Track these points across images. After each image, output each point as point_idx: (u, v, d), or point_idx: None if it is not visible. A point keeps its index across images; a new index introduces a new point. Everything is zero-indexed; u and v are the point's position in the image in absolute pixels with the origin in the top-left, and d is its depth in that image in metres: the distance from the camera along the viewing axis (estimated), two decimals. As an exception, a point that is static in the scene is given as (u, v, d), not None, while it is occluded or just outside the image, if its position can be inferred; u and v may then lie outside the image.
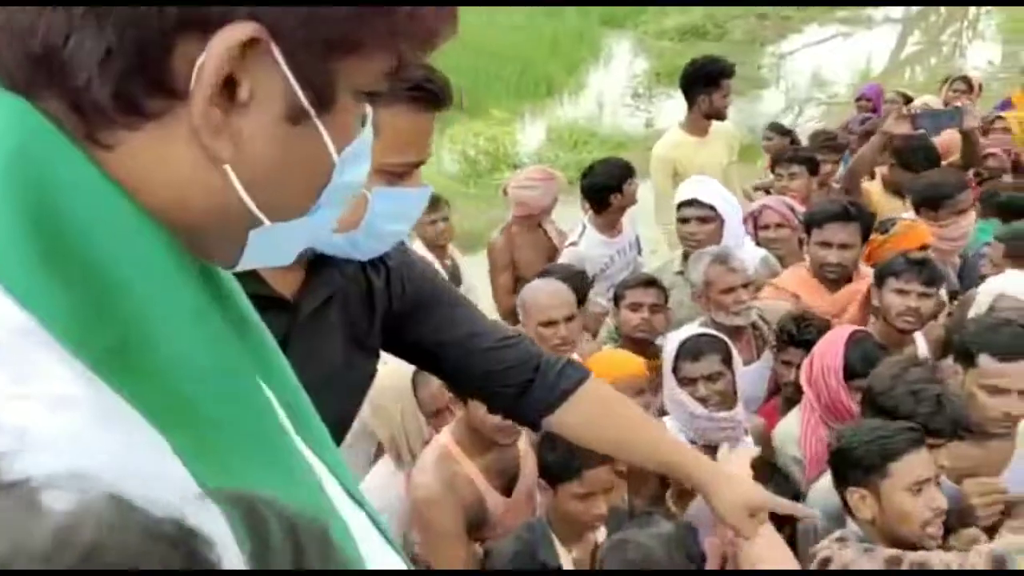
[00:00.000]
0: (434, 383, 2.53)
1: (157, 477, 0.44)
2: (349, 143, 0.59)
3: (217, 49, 0.51)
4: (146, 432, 0.49)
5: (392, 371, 2.25)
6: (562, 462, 2.14)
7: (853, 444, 1.99)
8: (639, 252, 4.35)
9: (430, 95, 1.24)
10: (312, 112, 0.55)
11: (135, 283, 0.51)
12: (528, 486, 2.44)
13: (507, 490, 2.40)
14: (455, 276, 4.07)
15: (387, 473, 2.58)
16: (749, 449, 1.91)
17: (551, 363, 1.48)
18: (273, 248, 0.61)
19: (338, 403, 1.31)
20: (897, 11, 16.54)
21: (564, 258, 3.91)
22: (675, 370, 2.51)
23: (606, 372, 2.65)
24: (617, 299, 3.19)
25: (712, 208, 3.38)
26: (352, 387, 1.42)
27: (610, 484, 2.22)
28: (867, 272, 3.09)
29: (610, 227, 4.05)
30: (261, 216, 0.57)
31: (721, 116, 4.27)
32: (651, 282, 3.17)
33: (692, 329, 2.69)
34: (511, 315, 3.53)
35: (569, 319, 2.88)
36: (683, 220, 3.41)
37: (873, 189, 4.21)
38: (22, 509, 0.34)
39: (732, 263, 2.93)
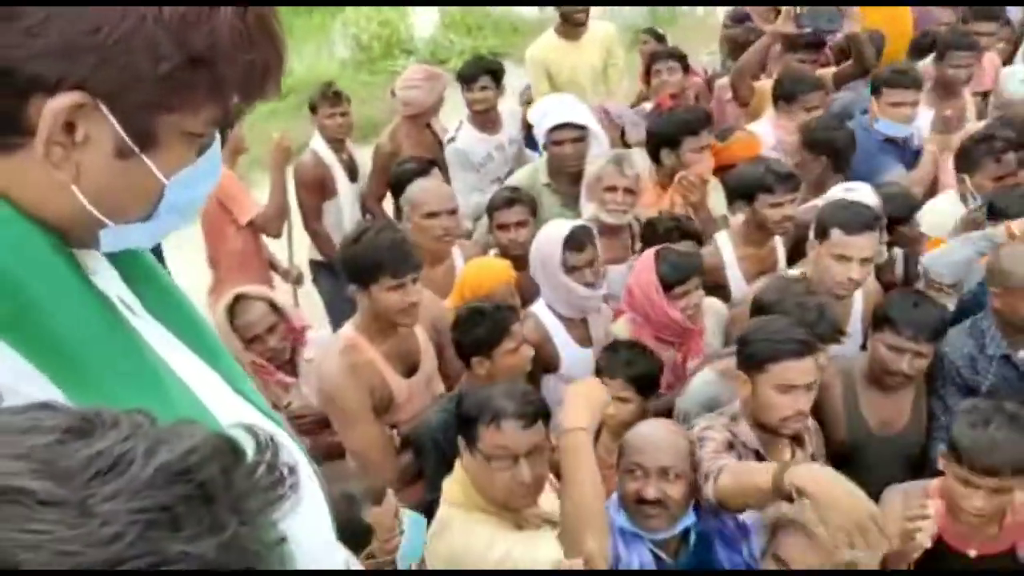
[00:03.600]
0: (252, 313, 2.70)
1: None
2: (177, 169, 0.80)
3: (51, 109, 0.72)
4: (33, 375, 0.72)
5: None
6: (488, 331, 2.48)
7: (753, 336, 2.25)
8: (532, 147, 4.37)
9: None
10: (136, 150, 0.77)
11: (18, 268, 0.73)
12: (428, 371, 2.63)
13: (408, 374, 2.55)
14: (352, 170, 4.16)
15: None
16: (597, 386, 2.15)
17: None
18: (124, 240, 0.83)
19: None
20: None
21: (447, 155, 4.05)
22: (564, 261, 2.78)
23: (479, 278, 2.88)
24: (489, 216, 3.34)
25: (584, 127, 3.51)
26: None
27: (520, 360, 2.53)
28: None
29: (483, 124, 4.14)
30: (105, 220, 0.79)
31: (571, 21, 4.37)
32: (515, 200, 3.30)
33: (568, 223, 2.89)
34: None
35: (452, 212, 3.05)
36: (557, 143, 3.54)
37: (765, 88, 4.25)
38: None
39: (624, 167, 3.14)
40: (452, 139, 4.11)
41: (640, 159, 3.39)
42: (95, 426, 0.50)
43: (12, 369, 0.72)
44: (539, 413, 1.99)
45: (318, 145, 4.05)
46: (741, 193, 3.16)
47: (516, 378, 2.47)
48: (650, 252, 2.79)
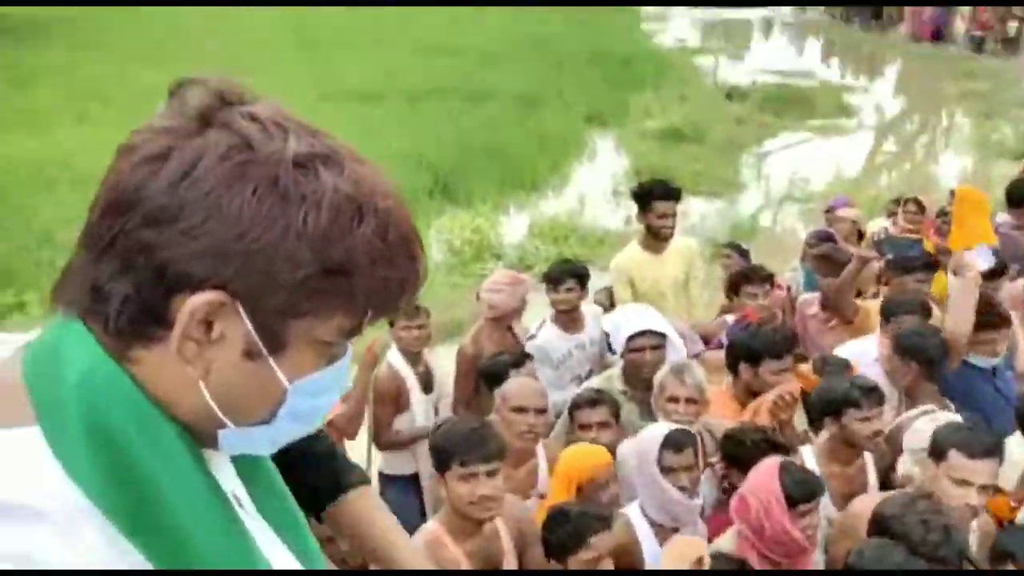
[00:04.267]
0: None
1: None
2: (303, 376, 0.83)
3: (193, 304, 0.77)
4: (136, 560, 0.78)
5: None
6: (567, 537, 2.47)
7: (860, 564, 2.19)
8: (610, 350, 4.45)
9: None
10: (265, 353, 0.81)
11: (150, 460, 0.78)
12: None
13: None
14: (427, 382, 4.18)
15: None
16: (697, 543, 2.12)
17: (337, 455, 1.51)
18: (244, 444, 0.86)
19: None
20: (871, 118, 17.19)
21: (527, 349, 4.08)
22: (659, 460, 2.77)
23: (580, 462, 2.87)
24: (570, 415, 3.35)
25: (663, 335, 3.58)
26: None
27: (612, 543, 2.55)
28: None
29: (565, 323, 4.22)
30: (225, 420, 0.82)
31: (658, 235, 4.47)
32: (599, 401, 3.32)
33: (669, 425, 2.89)
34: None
35: (540, 411, 3.08)
36: (636, 350, 3.60)
37: (869, 307, 4.33)
38: None
39: (684, 377, 3.18)
40: (532, 336, 4.19)
41: (700, 371, 3.39)
42: None
43: (114, 549, 0.76)
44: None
45: (394, 357, 4.10)
46: (826, 409, 3.14)
47: None
48: (772, 463, 2.66)
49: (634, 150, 13.40)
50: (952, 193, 5.86)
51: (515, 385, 3.20)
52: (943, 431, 2.74)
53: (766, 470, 2.65)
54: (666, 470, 2.77)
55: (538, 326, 4.27)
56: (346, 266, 0.79)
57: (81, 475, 0.76)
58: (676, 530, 2.85)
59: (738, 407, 3.45)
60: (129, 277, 0.78)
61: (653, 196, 4.47)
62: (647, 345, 3.58)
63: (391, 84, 15.34)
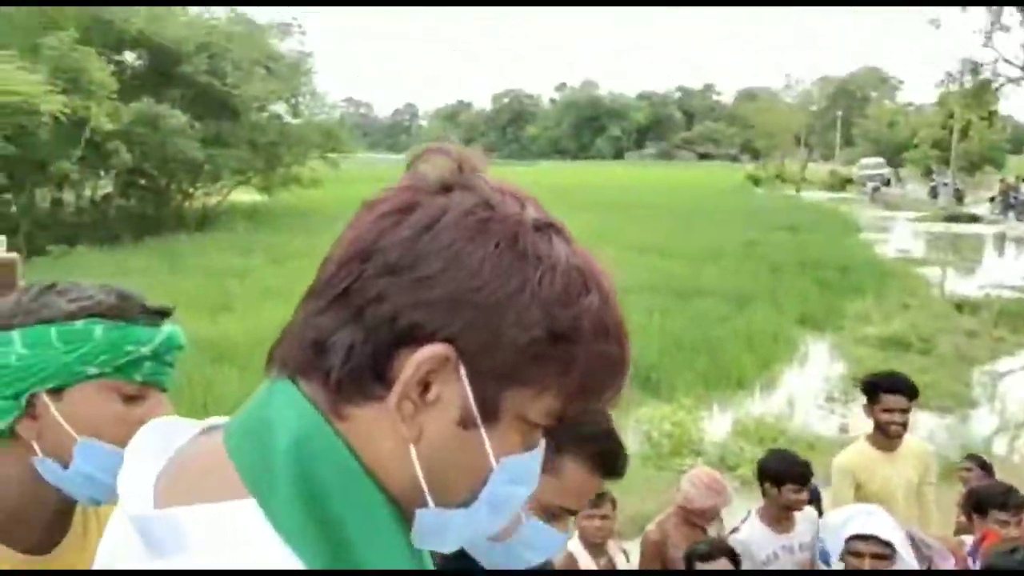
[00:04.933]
0: None
1: None
2: (508, 454, 0.78)
3: (421, 357, 0.73)
4: None
5: None
6: None
7: None
8: (827, 563, 4.05)
9: (611, 465, 1.43)
10: (479, 421, 0.76)
11: (363, 540, 0.74)
12: None
13: None
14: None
15: None
16: None
17: None
18: (438, 529, 0.79)
19: None
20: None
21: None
22: None
23: None
24: None
25: (890, 545, 3.16)
26: None
27: None
28: None
29: (777, 520, 3.92)
30: (428, 496, 0.77)
31: (886, 432, 4.12)
32: None
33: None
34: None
35: None
36: (856, 554, 3.22)
37: None
38: None
39: None
40: (736, 530, 3.88)
41: None
42: None
43: None
44: None
45: (574, 546, 3.81)
46: None
47: None
48: None
49: (851, 356, 12.72)
50: None
51: None
52: None
53: None
54: None
55: (743, 520, 3.97)
56: (572, 334, 0.76)
57: (301, 545, 0.72)
58: None
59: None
60: (357, 327, 0.75)
61: (882, 388, 4.16)
62: (868, 552, 3.18)
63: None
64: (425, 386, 0.75)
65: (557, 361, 0.76)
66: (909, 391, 4.16)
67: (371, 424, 0.76)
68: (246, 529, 0.72)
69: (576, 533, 3.84)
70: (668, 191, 30.00)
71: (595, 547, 3.83)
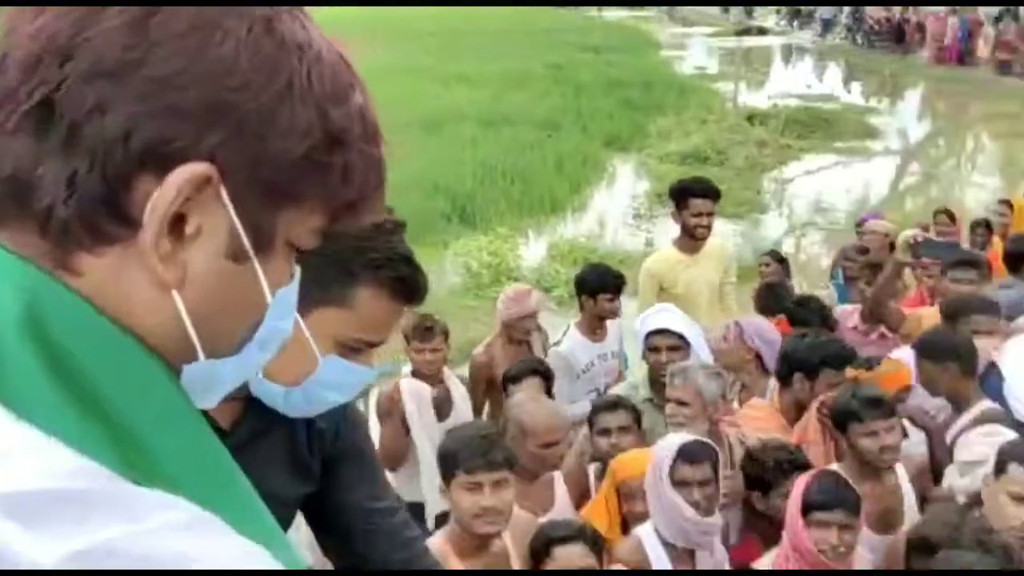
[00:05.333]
0: None
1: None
2: (280, 288, 0.66)
3: (170, 185, 0.57)
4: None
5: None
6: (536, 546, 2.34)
7: None
8: (625, 366, 4.38)
9: (409, 291, 1.31)
10: (251, 252, 0.62)
11: (136, 411, 0.58)
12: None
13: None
14: (445, 405, 3.90)
15: None
16: None
17: (416, 552, 1.53)
18: (207, 383, 0.66)
19: None
20: (896, 143, 16.97)
21: (549, 358, 4.01)
22: (672, 472, 2.56)
23: (632, 466, 2.70)
24: (590, 423, 3.20)
25: (681, 336, 3.39)
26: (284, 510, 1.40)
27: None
28: None
29: (592, 330, 4.13)
30: (198, 346, 0.63)
31: (693, 235, 4.34)
32: (618, 404, 3.18)
33: (686, 436, 2.69)
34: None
35: (564, 441, 2.93)
36: (653, 349, 3.45)
37: (919, 314, 4.15)
38: None
39: (675, 380, 3.08)
40: (557, 343, 4.08)
41: (704, 375, 3.13)
42: None
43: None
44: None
45: (408, 383, 3.84)
46: (836, 425, 2.94)
47: None
48: (814, 472, 2.59)
49: (655, 173, 13.26)
50: (1006, 203, 5.79)
51: (541, 420, 2.88)
52: (1008, 445, 2.56)
53: (803, 478, 2.55)
54: (679, 484, 2.56)
55: (563, 333, 4.19)
56: (345, 137, 0.63)
57: (74, 439, 0.55)
58: (692, 552, 2.62)
59: (784, 423, 3.23)
60: (72, 152, 0.57)
61: (690, 193, 4.34)
62: (664, 345, 3.43)
63: (408, 111, 15.34)
64: (180, 217, 0.59)
65: (332, 170, 0.63)
66: (714, 194, 4.39)
67: (117, 274, 0.59)
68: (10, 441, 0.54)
69: (409, 368, 3.92)
70: (471, 19, 29.34)
71: (429, 378, 3.91)
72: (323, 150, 0.62)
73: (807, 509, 2.42)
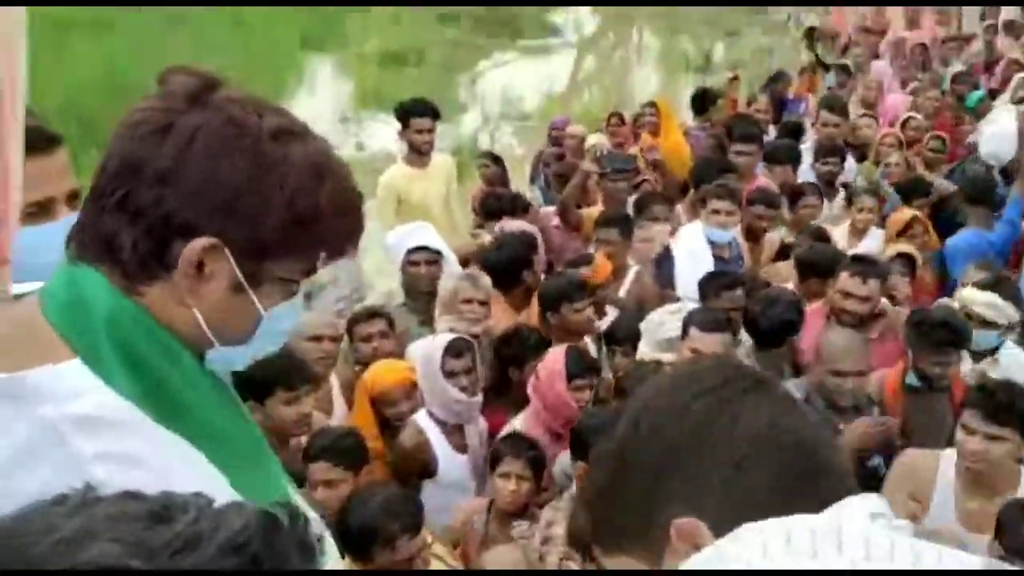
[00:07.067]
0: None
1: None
2: (273, 306, 1.06)
3: (194, 248, 0.99)
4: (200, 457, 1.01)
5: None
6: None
7: None
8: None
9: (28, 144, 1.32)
10: (247, 287, 1.02)
11: (173, 378, 1.02)
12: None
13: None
14: None
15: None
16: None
17: None
18: (226, 360, 1.09)
19: None
20: (572, 36, 18.21)
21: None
22: (443, 366, 3.09)
23: (378, 377, 3.15)
24: (350, 332, 3.55)
25: (439, 252, 3.93)
26: None
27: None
28: None
29: None
30: (214, 340, 1.04)
31: (419, 150, 4.87)
32: (374, 313, 3.62)
33: (449, 335, 3.22)
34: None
35: (333, 338, 3.29)
36: (414, 263, 3.92)
37: (592, 213, 4.83)
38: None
39: (478, 282, 3.55)
40: None
41: (487, 279, 3.73)
42: (171, 511, 0.60)
43: (171, 441, 1.00)
44: (419, 522, 2.37)
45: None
46: (548, 305, 3.54)
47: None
48: (562, 347, 3.14)
49: (355, 74, 13.35)
50: (653, 105, 6.70)
51: (310, 316, 3.30)
52: (691, 312, 3.29)
53: (556, 352, 3.14)
54: (448, 374, 3.12)
55: None
56: (314, 216, 1.01)
57: (126, 392, 0.97)
58: (460, 427, 3.22)
59: (514, 312, 3.86)
60: (139, 227, 0.98)
61: (412, 113, 4.83)
62: (423, 260, 3.90)
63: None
64: (200, 265, 0.99)
65: (305, 238, 1.03)
66: (432, 113, 4.87)
67: (162, 297, 1.00)
68: (86, 383, 0.96)
69: None
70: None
71: None
72: (293, 228, 1.00)
73: (570, 376, 3.00)
